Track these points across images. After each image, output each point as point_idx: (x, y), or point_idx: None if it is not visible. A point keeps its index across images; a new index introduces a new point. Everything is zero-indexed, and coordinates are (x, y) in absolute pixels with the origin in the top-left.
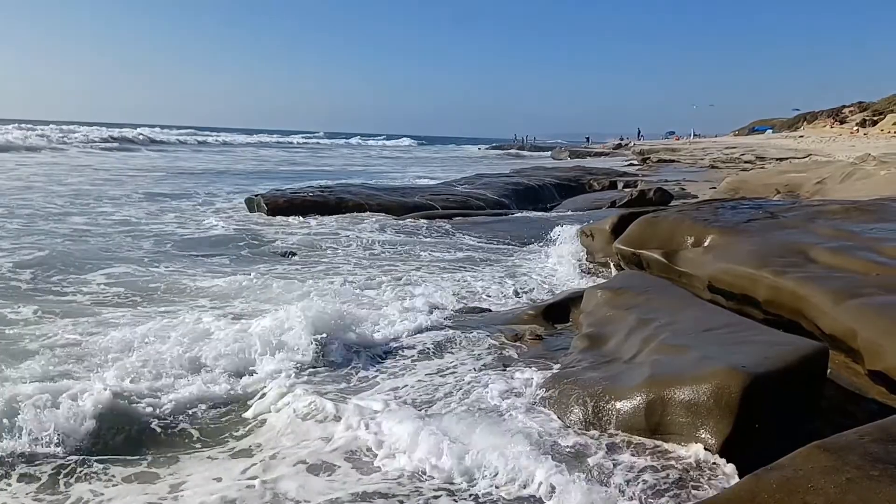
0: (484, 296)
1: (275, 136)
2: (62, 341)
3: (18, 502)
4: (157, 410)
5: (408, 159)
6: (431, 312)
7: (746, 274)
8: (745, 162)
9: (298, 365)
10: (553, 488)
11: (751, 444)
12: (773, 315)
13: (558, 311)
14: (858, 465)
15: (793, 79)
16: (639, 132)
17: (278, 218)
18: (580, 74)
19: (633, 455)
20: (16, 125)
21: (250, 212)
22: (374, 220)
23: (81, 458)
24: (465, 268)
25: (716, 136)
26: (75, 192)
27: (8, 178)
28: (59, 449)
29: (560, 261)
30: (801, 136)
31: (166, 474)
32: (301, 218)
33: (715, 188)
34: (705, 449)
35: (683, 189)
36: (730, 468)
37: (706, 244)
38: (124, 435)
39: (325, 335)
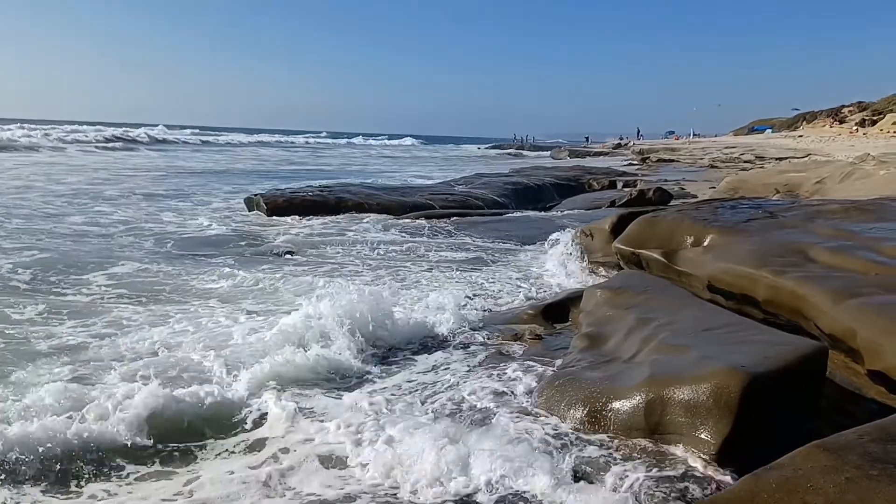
0: (488, 295)
1: (276, 135)
2: (72, 342)
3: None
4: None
5: (407, 159)
6: (438, 312)
7: (746, 273)
8: (745, 162)
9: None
10: (551, 489)
11: (750, 444)
12: (773, 315)
13: (558, 311)
14: (858, 464)
15: (793, 79)
16: (638, 132)
17: (278, 218)
18: (580, 74)
19: (632, 455)
20: (16, 125)
21: (249, 211)
22: (375, 219)
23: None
24: (469, 268)
25: (715, 136)
26: (75, 192)
27: (8, 177)
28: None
29: (561, 261)
30: (801, 136)
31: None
32: (301, 218)
33: (714, 188)
34: (705, 448)
35: (683, 189)
36: (729, 468)
37: (705, 244)
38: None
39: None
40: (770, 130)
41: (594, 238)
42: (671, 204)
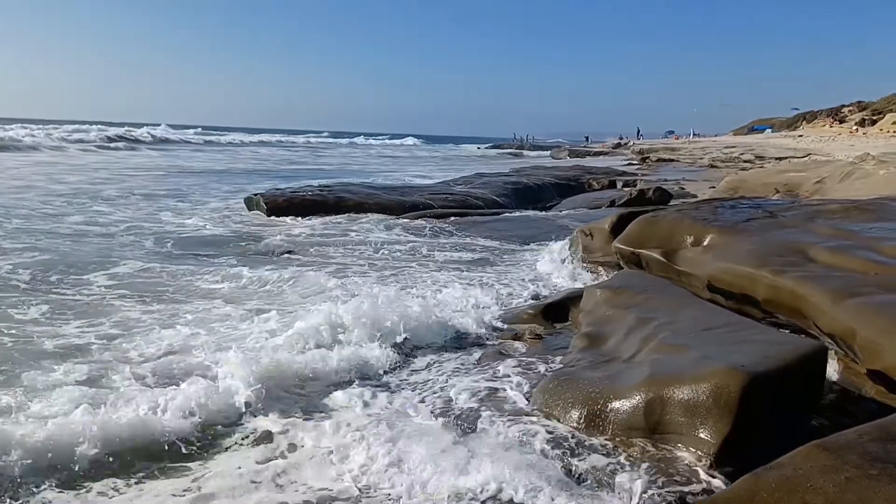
0: (488, 295)
1: (277, 135)
2: (79, 342)
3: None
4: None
5: (407, 158)
6: (440, 312)
7: (746, 273)
8: (745, 161)
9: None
10: (550, 491)
11: (750, 444)
12: (773, 314)
13: (557, 311)
14: (857, 464)
15: (793, 79)
16: (638, 131)
17: (278, 217)
18: (580, 74)
19: (631, 454)
20: (17, 124)
21: (249, 211)
22: (375, 219)
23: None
24: (468, 268)
25: (715, 136)
26: (75, 192)
27: (8, 176)
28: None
29: (559, 261)
30: (801, 136)
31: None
32: (301, 217)
33: (714, 187)
34: (704, 448)
35: (683, 188)
36: (729, 467)
37: (705, 243)
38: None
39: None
40: (770, 130)
41: (594, 238)
42: (671, 203)
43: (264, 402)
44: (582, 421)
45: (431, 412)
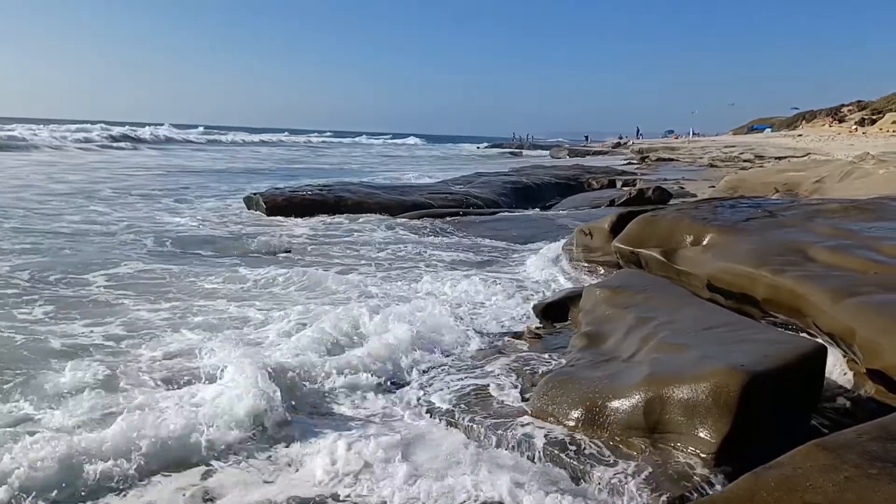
0: (488, 294)
1: (278, 134)
2: (87, 343)
3: None
4: None
5: (406, 158)
6: (441, 312)
7: (745, 273)
8: (744, 161)
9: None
10: (549, 490)
11: (750, 443)
12: (772, 314)
13: (557, 310)
14: (857, 463)
15: (793, 79)
16: (638, 131)
17: (278, 217)
18: (580, 74)
19: (630, 454)
20: (17, 124)
21: (249, 210)
22: (376, 219)
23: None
24: (467, 267)
25: (715, 135)
26: (75, 191)
27: (8, 175)
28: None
29: (558, 260)
30: (800, 135)
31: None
32: (301, 216)
33: (714, 187)
34: (704, 447)
35: (682, 188)
36: (728, 467)
37: (705, 243)
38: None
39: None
40: (769, 129)
41: (593, 237)
42: (670, 203)
43: (280, 404)
44: (581, 420)
45: (429, 412)
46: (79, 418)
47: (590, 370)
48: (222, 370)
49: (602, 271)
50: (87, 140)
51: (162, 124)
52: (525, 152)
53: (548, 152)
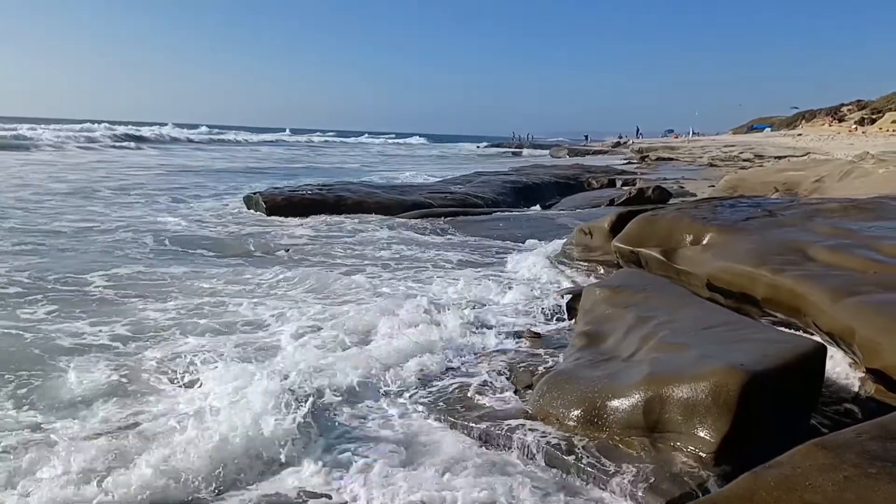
0: (488, 294)
1: (279, 134)
2: (99, 343)
3: None
4: None
5: (407, 157)
6: (443, 312)
7: (745, 272)
8: (744, 160)
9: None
10: (548, 490)
11: (749, 442)
12: (772, 313)
13: (557, 309)
14: (856, 463)
15: (793, 79)
16: (637, 130)
17: (277, 216)
18: (580, 74)
19: (630, 453)
20: (17, 123)
21: (248, 209)
22: (377, 218)
23: None
24: (465, 267)
25: (715, 135)
26: (75, 191)
27: (8, 175)
28: None
29: (558, 260)
30: (800, 135)
31: None
32: (300, 216)
33: (713, 186)
34: (704, 447)
35: (682, 187)
36: (728, 466)
37: (705, 242)
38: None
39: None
40: (769, 129)
41: (593, 236)
42: (670, 202)
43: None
44: (581, 420)
45: (429, 412)
46: (95, 428)
47: (589, 369)
48: (233, 377)
49: (602, 270)
50: (87, 140)
51: (165, 124)
52: (525, 152)
53: (548, 152)
